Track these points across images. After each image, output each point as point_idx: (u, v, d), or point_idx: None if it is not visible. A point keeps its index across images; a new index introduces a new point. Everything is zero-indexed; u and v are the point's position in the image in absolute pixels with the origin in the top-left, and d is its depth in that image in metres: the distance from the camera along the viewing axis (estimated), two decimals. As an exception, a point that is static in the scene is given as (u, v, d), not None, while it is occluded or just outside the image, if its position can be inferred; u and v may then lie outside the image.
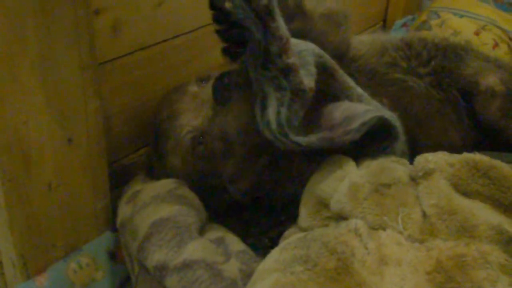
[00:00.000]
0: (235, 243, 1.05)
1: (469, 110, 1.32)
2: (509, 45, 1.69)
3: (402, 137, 1.05)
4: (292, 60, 0.95)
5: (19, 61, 0.92)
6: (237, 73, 1.08)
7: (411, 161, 0.98)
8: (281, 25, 0.95)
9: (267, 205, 1.17)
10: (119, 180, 1.21)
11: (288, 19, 1.01)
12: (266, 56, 0.95)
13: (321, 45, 1.08)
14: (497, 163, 0.88)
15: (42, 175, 1.01)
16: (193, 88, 1.19)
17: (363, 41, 1.34)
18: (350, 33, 1.26)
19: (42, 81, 0.97)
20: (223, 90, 1.09)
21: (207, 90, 1.15)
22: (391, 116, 1.03)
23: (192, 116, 1.14)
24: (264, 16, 0.92)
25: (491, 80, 1.27)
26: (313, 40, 1.09)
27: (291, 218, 1.04)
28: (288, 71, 0.95)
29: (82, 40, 1.01)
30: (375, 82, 1.24)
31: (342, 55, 1.22)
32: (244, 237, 1.09)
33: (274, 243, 1.02)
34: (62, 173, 1.05)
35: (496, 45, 1.67)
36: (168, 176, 1.15)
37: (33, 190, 1.00)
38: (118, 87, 1.20)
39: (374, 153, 1.02)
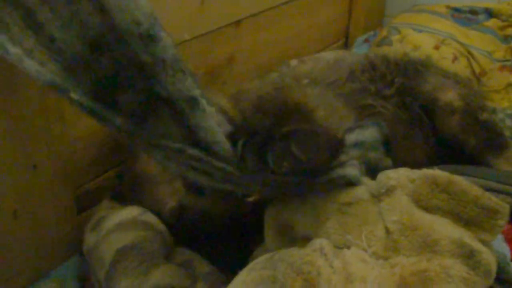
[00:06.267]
0: (202, 265, 1.05)
1: (433, 127, 1.35)
2: (468, 59, 1.73)
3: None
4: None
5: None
6: None
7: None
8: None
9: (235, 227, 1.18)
10: (86, 203, 1.20)
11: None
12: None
13: None
14: (456, 178, 0.90)
15: (6, 203, 1.00)
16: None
17: (330, 66, 1.37)
18: None
19: (3, 108, 0.96)
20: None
21: None
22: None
23: (169, 191, 1.13)
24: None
25: (450, 95, 1.30)
26: None
27: (260, 238, 1.04)
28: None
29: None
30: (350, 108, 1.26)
31: None
32: (213, 259, 1.10)
33: (243, 264, 1.03)
34: (27, 201, 1.04)
35: (455, 58, 1.71)
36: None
37: (-3, 219, 0.99)
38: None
39: None
